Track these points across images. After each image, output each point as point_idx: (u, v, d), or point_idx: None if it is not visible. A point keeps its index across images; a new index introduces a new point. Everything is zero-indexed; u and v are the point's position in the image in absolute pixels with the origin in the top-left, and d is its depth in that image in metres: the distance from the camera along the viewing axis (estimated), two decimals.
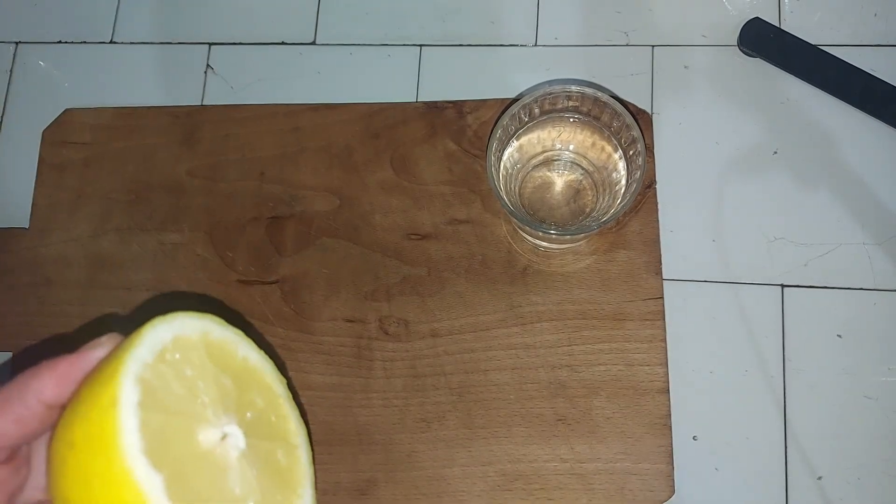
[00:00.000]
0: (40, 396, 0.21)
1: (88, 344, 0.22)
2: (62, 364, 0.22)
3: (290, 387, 0.25)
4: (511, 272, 0.48)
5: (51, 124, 0.54)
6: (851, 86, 0.49)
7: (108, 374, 0.20)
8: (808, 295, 0.47)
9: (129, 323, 0.22)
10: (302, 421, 0.25)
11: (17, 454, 0.22)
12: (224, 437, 0.21)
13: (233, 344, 0.24)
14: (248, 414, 0.23)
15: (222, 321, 0.24)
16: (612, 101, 0.42)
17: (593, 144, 0.46)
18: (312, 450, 0.25)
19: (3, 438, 0.21)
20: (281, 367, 0.25)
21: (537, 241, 0.47)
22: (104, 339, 0.23)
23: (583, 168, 0.47)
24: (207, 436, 0.21)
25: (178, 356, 0.21)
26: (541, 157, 0.47)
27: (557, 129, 0.46)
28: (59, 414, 0.21)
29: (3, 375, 0.50)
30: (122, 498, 0.19)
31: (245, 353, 0.24)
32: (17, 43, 0.58)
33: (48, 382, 0.21)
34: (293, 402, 0.25)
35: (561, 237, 0.45)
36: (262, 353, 0.25)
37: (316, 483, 0.24)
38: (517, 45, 0.54)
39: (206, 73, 0.56)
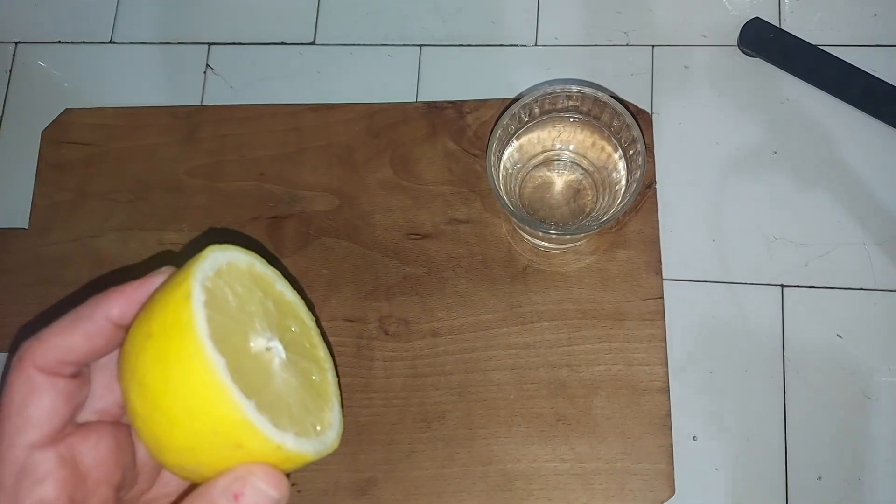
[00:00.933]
0: (108, 314, 0.24)
1: (151, 273, 0.25)
2: (128, 287, 0.25)
3: (318, 324, 0.29)
4: (511, 272, 0.48)
5: (50, 124, 0.54)
6: (851, 86, 0.49)
7: (178, 280, 0.23)
8: (808, 295, 0.47)
9: (181, 259, 0.25)
10: (329, 354, 0.28)
11: (81, 373, 0.25)
12: (268, 348, 0.24)
13: (272, 280, 0.27)
14: (287, 336, 0.26)
15: (264, 260, 0.27)
16: (612, 100, 0.42)
17: (593, 144, 0.46)
18: (338, 377, 0.28)
19: (73, 353, 0.24)
20: (310, 307, 0.28)
21: (537, 241, 0.47)
22: (164, 269, 0.26)
23: (583, 168, 0.47)
24: (257, 343, 0.24)
25: (231, 278, 0.24)
26: (541, 157, 0.47)
27: (557, 128, 0.46)
28: (122, 335, 0.24)
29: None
30: (193, 371, 0.21)
31: (282, 289, 0.27)
32: (16, 43, 0.58)
33: (116, 302, 0.24)
34: (321, 337, 0.28)
35: (561, 237, 0.45)
36: (296, 292, 0.28)
37: (343, 403, 0.27)
38: (517, 45, 0.54)
39: (205, 72, 0.56)
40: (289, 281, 0.28)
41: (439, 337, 0.47)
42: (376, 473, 0.45)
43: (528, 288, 0.47)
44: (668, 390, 0.45)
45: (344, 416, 0.27)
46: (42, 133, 0.54)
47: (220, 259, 0.24)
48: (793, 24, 0.51)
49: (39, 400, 0.23)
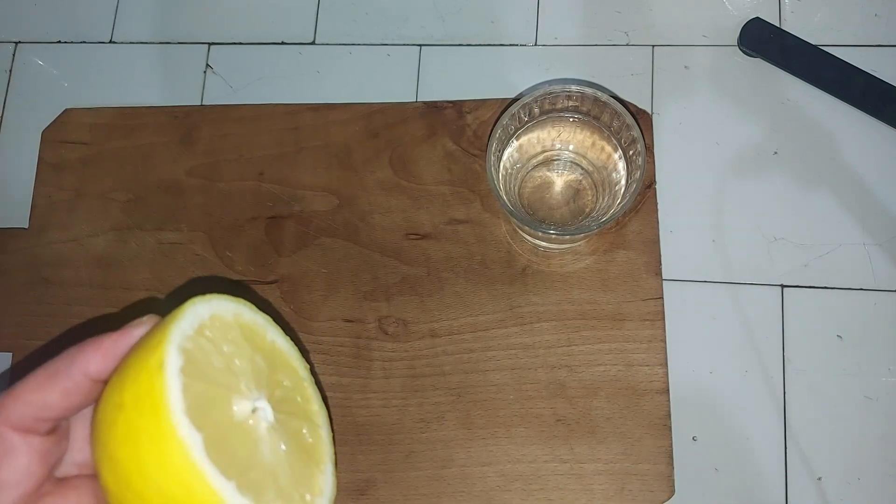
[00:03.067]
0: (85, 370, 0.23)
1: (130, 323, 0.24)
2: (106, 340, 0.23)
3: (312, 372, 0.27)
4: (510, 272, 0.47)
5: (51, 124, 0.54)
6: (852, 86, 0.48)
7: (153, 342, 0.22)
8: (808, 295, 0.47)
9: (166, 306, 0.24)
10: (323, 404, 0.27)
11: (58, 428, 0.24)
12: (255, 410, 0.23)
13: (262, 328, 0.25)
14: (277, 392, 0.24)
15: (254, 306, 0.25)
16: (612, 100, 0.41)
17: (593, 144, 0.46)
18: (333, 431, 0.27)
19: (49, 410, 0.23)
20: (304, 354, 0.27)
21: (537, 242, 0.47)
22: (145, 318, 0.24)
23: (582, 168, 0.47)
24: (241, 407, 0.22)
25: (215, 332, 0.23)
26: (540, 157, 0.47)
27: (557, 128, 0.46)
28: (101, 389, 0.23)
29: (3, 377, 0.50)
30: (166, 452, 0.20)
31: (273, 337, 0.26)
32: (16, 43, 0.58)
33: (93, 357, 0.23)
34: (315, 387, 0.27)
35: (560, 237, 0.44)
36: (288, 338, 0.27)
37: (336, 462, 0.26)
38: (517, 45, 0.54)
39: (205, 72, 0.56)
40: (281, 326, 0.27)
41: (438, 337, 0.47)
42: (375, 474, 0.45)
43: (527, 289, 0.47)
44: (668, 391, 0.45)
45: (338, 475, 0.26)
46: (42, 133, 0.54)
47: (203, 313, 0.23)
48: (793, 24, 0.51)
49: (13, 461, 0.22)
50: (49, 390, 0.23)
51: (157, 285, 0.50)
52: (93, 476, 0.24)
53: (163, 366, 0.21)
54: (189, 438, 0.20)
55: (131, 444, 0.21)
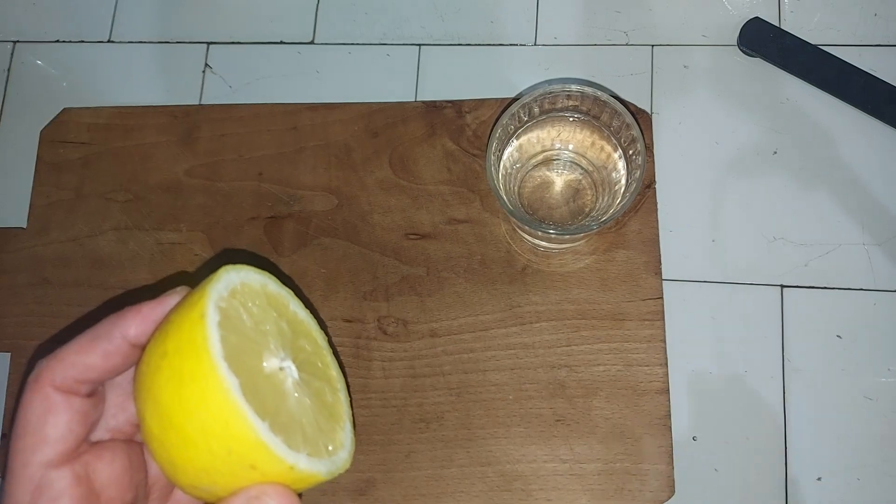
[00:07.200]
0: (125, 334, 0.25)
1: (166, 293, 0.26)
2: (145, 307, 0.25)
3: (330, 343, 0.29)
4: (510, 272, 0.47)
5: (49, 123, 0.54)
6: (851, 86, 0.48)
7: (193, 300, 0.24)
8: (808, 295, 0.47)
9: (195, 279, 0.26)
10: (341, 372, 0.29)
11: (96, 392, 0.25)
12: (281, 368, 0.25)
13: (286, 299, 0.27)
14: (300, 356, 0.26)
15: (277, 280, 0.27)
16: (611, 100, 0.41)
17: (593, 144, 0.46)
18: (350, 397, 0.28)
19: (90, 372, 0.24)
20: (322, 327, 0.29)
21: (536, 241, 0.47)
22: (178, 289, 0.26)
23: (582, 168, 0.47)
24: (270, 363, 0.24)
25: (245, 298, 0.25)
26: (540, 157, 0.47)
27: (557, 128, 0.46)
28: (138, 354, 0.25)
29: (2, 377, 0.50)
30: (207, 391, 0.22)
31: (295, 308, 0.28)
32: (14, 42, 0.58)
33: (133, 322, 0.25)
34: (333, 357, 0.29)
35: (560, 237, 0.44)
36: (308, 311, 0.29)
37: (354, 423, 0.28)
38: (517, 45, 0.54)
39: (204, 72, 0.56)
40: (301, 300, 0.28)
41: (438, 337, 0.47)
42: (375, 474, 0.45)
43: (527, 288, 0.47)
44: (668, 391, 0.45)
45: (356, 435, 0.27)
46: (41, 132, 0.54)
47: (234, 279, 0.25)
48: (793, 24, 0.51)
49: (56, 418, 0.24)
50: (91, 353, 0.24)
51: (157, 285, 0.50)
52: (125, 441, 0.26)
53: (204, 316, 0.23)
54: (228, 379, 0.22)
55: (175, 385, 0.22)
